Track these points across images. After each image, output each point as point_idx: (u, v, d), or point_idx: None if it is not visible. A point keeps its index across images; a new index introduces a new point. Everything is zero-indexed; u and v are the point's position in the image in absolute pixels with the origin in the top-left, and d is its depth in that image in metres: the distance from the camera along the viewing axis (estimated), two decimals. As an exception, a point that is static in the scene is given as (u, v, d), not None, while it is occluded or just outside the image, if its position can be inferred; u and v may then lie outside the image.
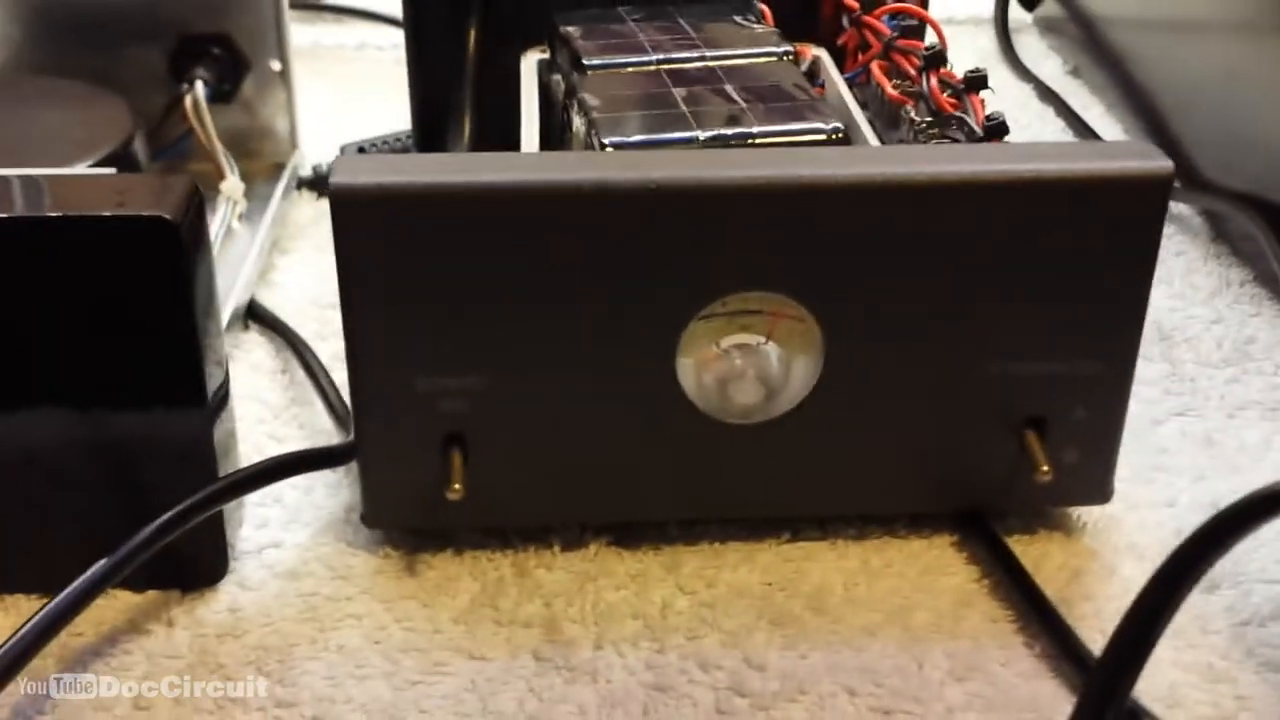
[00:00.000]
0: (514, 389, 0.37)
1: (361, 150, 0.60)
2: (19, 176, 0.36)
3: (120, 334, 0.35)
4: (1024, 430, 0.39)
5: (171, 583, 0.38)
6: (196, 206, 0.35)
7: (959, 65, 0.45)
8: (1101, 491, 0.40)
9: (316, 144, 0.61)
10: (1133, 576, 0.39)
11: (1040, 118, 0.68)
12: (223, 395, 0.37)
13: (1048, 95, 0.70)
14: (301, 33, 0.78)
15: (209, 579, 0.38)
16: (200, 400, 0.36)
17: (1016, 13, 0.81)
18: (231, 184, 0.56)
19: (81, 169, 0.46)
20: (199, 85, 0.56)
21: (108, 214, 0.33)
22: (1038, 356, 0.38)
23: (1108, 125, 0.67)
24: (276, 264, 0.55)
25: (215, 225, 0.53)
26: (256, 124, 0.60)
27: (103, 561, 0.33)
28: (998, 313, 0.37)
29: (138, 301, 0.34)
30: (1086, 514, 0.42)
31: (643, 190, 0.35)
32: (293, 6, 0.80)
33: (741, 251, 0.36)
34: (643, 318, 0.37)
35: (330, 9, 0.82)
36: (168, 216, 0.34)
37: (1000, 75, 0.73)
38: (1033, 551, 0.40)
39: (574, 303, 0.36)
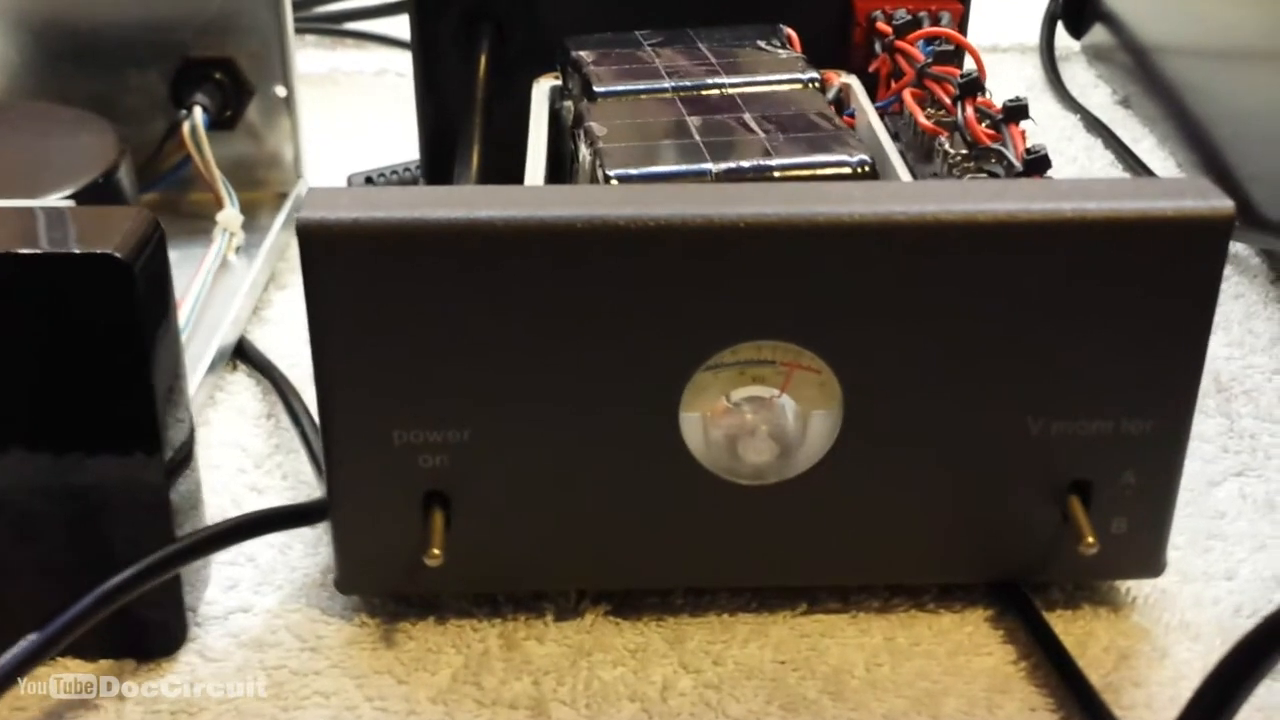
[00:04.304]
0: (501, 443, 0.34)
1: (369, 180, 0.58)
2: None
3: (71, 380, 0.32)
4: (1067, 496, 0.35)
5: (126, 651, 0.35)
6: (155, 243, 0.32)
7: (1003, 94, 0.42)
8: (1153, 565, 0.37)
9: (325, 173, 0.59)
10: (1187, 660, 0.36)
11: (1088, 151, 0.65)
12: (186, 450, 0.34)
13: (1096, 126, 0.67)
14: (320, 59, 0.76)
15: (167, 648, 0.35)
16: (156, 454, 0.33)
17: (1064, 40, 0.78)
18: (228, 214, 0.53)
19: (51, 199, 0.43)
20: (197, 112, 0.54)
21: (52, 251, 0.31)
22: (1082, 414, 0.34)
23: (1160, 159, 0.64)
24: (273, 299, 0.53)
25: (210, 258, 0.51)
26: (261, 152, 0.57)
27: (34, 635, 0.30)
28: (1038, 365, 0.34)
29: (88, 346, 0.32)
30: (1136, 587, 0.38)
31: (643, 228, 0.32)
32: (312, 32, 0.79)
33: (752, 296, 0.33)
34: (643, 367, 0.34)
35: (350, 34, 0.80)
36: (118, 255, 0.31)
37: (1046, 105, 0.70)
38: (1076, 629, 0.37)
39: (567, 349, 0.33)
